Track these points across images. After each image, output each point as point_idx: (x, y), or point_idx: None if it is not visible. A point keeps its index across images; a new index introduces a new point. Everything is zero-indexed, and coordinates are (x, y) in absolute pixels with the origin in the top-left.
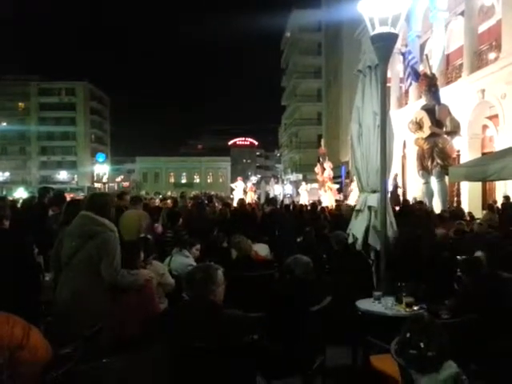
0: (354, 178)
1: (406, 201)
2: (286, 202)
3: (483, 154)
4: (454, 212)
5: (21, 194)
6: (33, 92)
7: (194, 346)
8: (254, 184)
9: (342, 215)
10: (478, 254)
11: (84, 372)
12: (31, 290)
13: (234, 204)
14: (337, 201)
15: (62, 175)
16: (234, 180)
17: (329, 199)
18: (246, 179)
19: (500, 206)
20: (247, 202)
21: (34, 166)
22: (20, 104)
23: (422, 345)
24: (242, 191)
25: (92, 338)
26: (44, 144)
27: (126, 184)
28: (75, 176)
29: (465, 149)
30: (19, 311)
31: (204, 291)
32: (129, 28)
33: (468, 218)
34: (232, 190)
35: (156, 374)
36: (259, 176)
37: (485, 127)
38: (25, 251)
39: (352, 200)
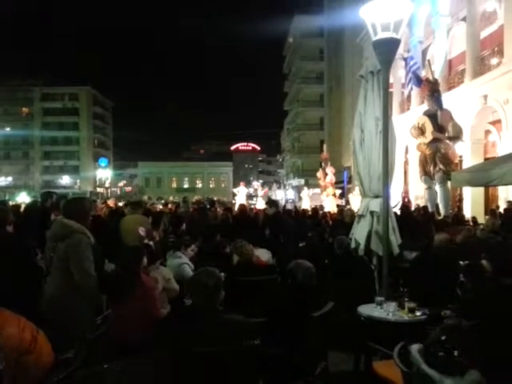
0: (356, 183)
1: (406, 206)
2: (288, 206)
3: (486, 159)
4: (456, 217)
5: (23, 198)
6: (36, 97)
7: (196, 350)
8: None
9: (342, 220)
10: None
11: (85, 377)
12: (33, 294)
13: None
14: (338, 206)
15: (65, 180)
16: (236, 185)
17: (331, 204)
18: (248, 184)
19: (503, 211)
20: (256, 207)
21: (36, 171)
22: (23, 109)
23: (452, 350)
24: (245, 196)
25: (93, 343)
26: (47, 149)
27: (128, 189)
28: (78, 181)
29: (467, 154)
30: (21, 315)
31: (216, 297)
32: (132, 34)
33: (471, 224)
34: (234, 195)
35: (157, 378)
36: (261, 181)
37: (487, 132)
38: (27, 255)
39: (353, 205)
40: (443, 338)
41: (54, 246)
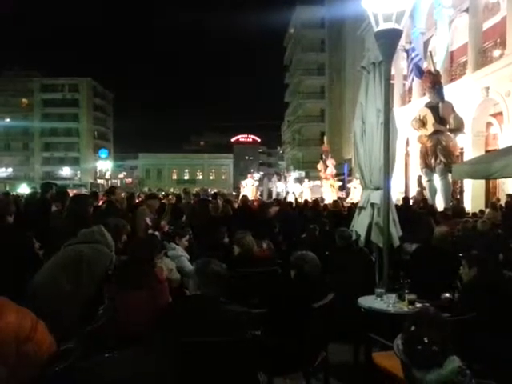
0: (357, 175)
1: (406, 198)
2: (289, 198)
3: (487, 151)
4: (456, 209)
5: (24, 189)
6: (36, 88)
7: (197, 340)
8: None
9: (340, 212)
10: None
11: (85, 367)
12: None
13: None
14: (339, 198)
15: (65, 171)
16: (236, 177)
17: (331, 196)
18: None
19: (504, 204)
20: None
21: (36, 162)
22: (23, 100)
23: (426, 340)
24: (254, 188)
25: (94, 333)
26: (47, 140)
27: (128, 180)
28: (78, 172)
29: (468, 146)
30: (21, 305)
31: (224, 286)
32: (132, 24)
33: (471, 216)
34: (235, 187)
35: (159, 369)
36: (262, 173)
37: (489, 125)
38: (27, 247)
39: (354, 198)
40: (412, 328)
41: (75, 242)
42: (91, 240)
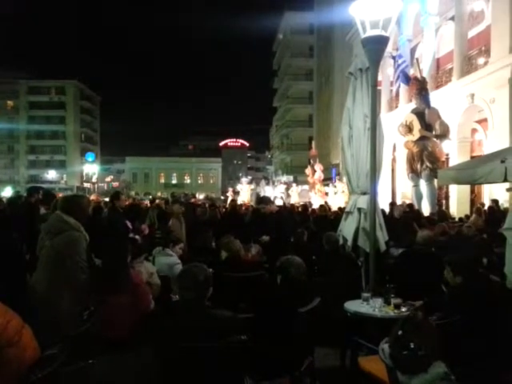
0: (344, 179)
1: (393, 203)
2: (277, 203)
3: (472, 157)
4: (441, 214)
5: (8, 193)
6: (22, 90)
7: (183, 345)
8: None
9: (326, 216)
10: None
11: (69, 373)
12: (19, 288)
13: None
14: (326, 203)
15: (51, 174)
16: (224, 181)
17: (319, 201)
18: (237, 180)
19: (487, 210)
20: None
21: (22, 165)
22: (9, 102)
23: (412, 345)
24: (250, 192)
25: (78, 339)
26: (33, 143)
27: (115, 184)
28: (64, 175)
29: (454, 152)
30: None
31: (206, 292)
32: (120, 27)
33: (457, 221)
34: (224, 191)
35: (143, 374)
36: (250, 177)
37: (474, 131)
38: (13, 250)
39: (338, 202)
40: (400, 332)
41: (49, 239)
42: (57, 232)
